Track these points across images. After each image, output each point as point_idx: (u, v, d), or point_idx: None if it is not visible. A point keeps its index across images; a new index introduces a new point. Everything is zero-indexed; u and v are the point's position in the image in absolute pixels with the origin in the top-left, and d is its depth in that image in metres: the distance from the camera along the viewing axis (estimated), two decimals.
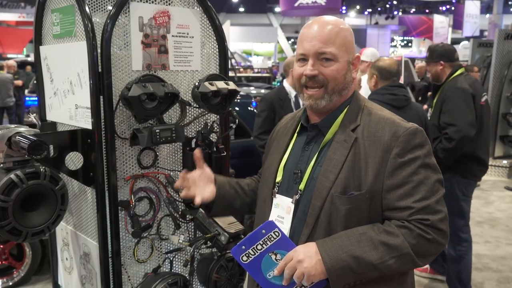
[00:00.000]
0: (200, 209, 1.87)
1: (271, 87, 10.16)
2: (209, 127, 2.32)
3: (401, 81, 4.42)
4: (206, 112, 2.37)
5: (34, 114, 2.52)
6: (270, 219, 1.53)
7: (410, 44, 33.60)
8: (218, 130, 2.40)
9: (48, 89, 2.38)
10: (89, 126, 2.05)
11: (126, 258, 2.20)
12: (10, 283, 3.70)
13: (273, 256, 1.38)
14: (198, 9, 2.31)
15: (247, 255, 1.38)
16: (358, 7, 32.87)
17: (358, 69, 1.54)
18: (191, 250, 2.21)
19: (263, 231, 1.37)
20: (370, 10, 31.29)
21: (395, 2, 29.55)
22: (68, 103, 2.21)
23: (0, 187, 1.94)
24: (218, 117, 2.42)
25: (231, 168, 3.44)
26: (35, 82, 5.11)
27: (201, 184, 1.64)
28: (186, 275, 2.27)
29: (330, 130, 1.47)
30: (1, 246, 3.65)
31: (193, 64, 2.32)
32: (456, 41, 25.69)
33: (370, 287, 1.39)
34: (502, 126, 7.71)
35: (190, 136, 2.32)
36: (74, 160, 2.24)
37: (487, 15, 28.59)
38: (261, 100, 4.06)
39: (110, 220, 2.09)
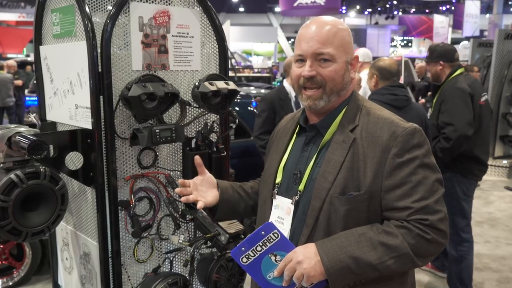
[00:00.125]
0: (200, 209, 1.87)
1: (271, 87, 10.15)
2: (209, 127, 2.32)
3: (401, 81, 4.43)
4: (206, 112, 2.37)
5: (34, 114, 2.52)
6: (270, 220, 1.52)
7: (410, 44, 33.59)
8: (218, 130, 2.40)
9: (48, 89, 2.38)
10: (89, 126, 2.05)
11: (126, 258, 2.20)
12: (10, 283, 3.70)
13: (273, 257, 1.38)
14: (198, 9, 2.31)
15: (247, 256, 1.38)
16: (358, 7, 32.86)
17: (357, 69, 1.54)
18: (191, 250, 2.21)
19: (263, 232, 1.37)
20: (370, 10, 31.27)
21: (395, 2, 29.54)
22: (68, 103, 2.21)
23: (0, 187, 1.94)
24: (218, 117, 2.42)
25: (231, 168, 3.45)
26: (35, 82, 5.11)
27: (203, 189, 1.63)
28: (186, 275, 2.27)
29: (328, 131, 1.47)
30: (1, 246, 3.65)
31: (193, 64, 2.32)
32: (456, 41, 25.68)
33: None
34: (502, 126, 7.71)
35: (190, 136, 2.32)
36: (74, 160, 2.24)
37: (487, 15, 28.58)
38: (261, 100, 4.06)
39: (110, 220, 2.09)
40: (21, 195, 1.98)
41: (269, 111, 3.87)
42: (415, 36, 32.78)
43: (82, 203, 2.30)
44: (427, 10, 31.84)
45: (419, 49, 30.33)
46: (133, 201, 2.16)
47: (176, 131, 2.15)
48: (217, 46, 2.40)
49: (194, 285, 2.32)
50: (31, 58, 14.40)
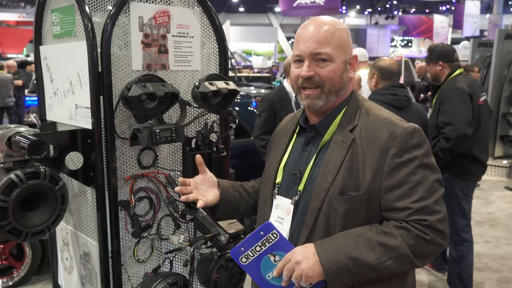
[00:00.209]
0: (200, 209, 1.87)
1: (271, 87, 10.15)
2: (209, 127, 2.32)
3: (401, 81, 4.43)
4: (206, 112, 2.37)
5: (34, 114, 2.52)
6: (270, 220, 1.53)
7: (410, 44, 33.58)
8: (218, 130, 2.40)
9: (48, 89, 2.38)
10: (89, 126, 2.05)
11: (126, 258, 2.20)
12: (10, 283, 3.70)
13: (272, 258, 1.38)
14: (198, 9, 2.31)
15: (246, 256, 1.39)
16: (358, 7, 32.85)
17: (356, 68, 1.53)
18: (191, 250, 2.21)
19: (261, 232, 1.37)
20: (370, 10, 31.27)
21: (395, 2, 29.53)
22: (68, 103, 2.21)
23: (0, 187, 1.94)
24: (218, 117, 2.42)
25: (231, 168, 3.45)
26: (35, 82, 5.10)
27: (204, 188, 1.63)
28: (186, 275, 2.27)
29: (328, 131, 1.47)
30: (1, 246, 3.65)
31: (193, 64, 2.31)
32: (456, 41, 25.70)
33: None
34: (502, 126, 7.71)
35: (190, 136, 2.32)
36: (74, 160, 2.24)
37: (487, 15, 28.58)
38: (262, 100, 4.06)
39: (110, 220, 2.09)
40: (21, 195, 1.98)
41: (270, 111, 3.87)
42: (415, 36, 32.78)
43: (82, 203, 2.30)
44: (427, 10, 31.83)
45: (419, 49, 30.33)
46: (133, 201, 2.16)
47: (176, 131, 2.15)
48: (217, 46, 2.40)
49: (194, 285, 2.32)
50: (31, 58, 14.41)
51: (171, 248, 2.34)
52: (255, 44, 29.00)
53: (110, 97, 2.02)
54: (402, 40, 34.59)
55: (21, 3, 26.99)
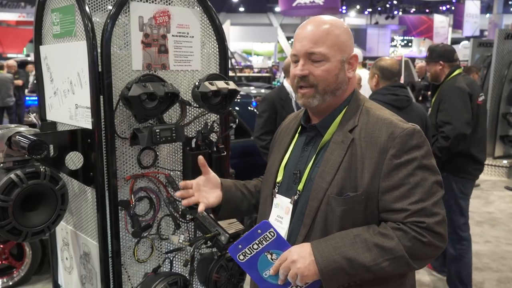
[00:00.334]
0: None
1: (271, 87, 10.16)
2: (209, 127, 2.32)
3: (401, 81, 4.43)
4: (206, 112, 2.37)
5: (34, 114, 2.52)
6: (270, 218, 1.53)
7: (410, 44, 33.58)
8: (218, 130, 2.40)
9: (48, 88, 2.38)
10: (89, 126, 2.05)
11: (126, 258, 2.20)
12: (10, 283, 3.70)
13: (269, 256, 1.39)
14: (198, 8, 2.31)
15: (243, 254, 1.40)
16: (358, 6, 32.86)
17: (356, 68, 1.52)
18: (191, 250, 2.21)
19: (259, 231, 1.38)
20: (370, 9, 31.26)
21: (395, 2, 29.52)
22: (68, 102, 2.21)
23: (0, 187, 1.94)
24: (218, 117, 2.42)
25: (231, 168, 3.44)
26: (35, 82, 5.10)
27: (206, 190, 1.63)
28: (186, 275, 2.27)
29: (328, 131, 1.47)
30: (1, 246, 3.65)
31: (193, 63, 2.31)
32: (456, 41, 25.70)
33: None
34: (502, 126, 7.71)
35: (190, 136, 2.32)
36: (74, 160, 2.24)
37: (487, 15, 28.58)
38: (262, 100, 4.06)
39: (110, 220, 2.09)
40: (21, 195, 1.98)
41: (270, 112, 3.86)
42: (415, 36, 32.78)
43: (82, 203, 2.30)
44: (427, 10, 31.83)
45: (419, 49, 30.33)
46: (133, 201, 2.16)
47: (176, 131, 2.15)
48: (217, 46, 2.40)
49: (194, 285, 2.32)
50: (31, 58, 14.41)
51: (171, 248, 2.34)
52: (255, 44, 29.01)
53: (110, 97, 2.02)
54: (402, 40, 34.60)
55: (21, 3, 26.99)
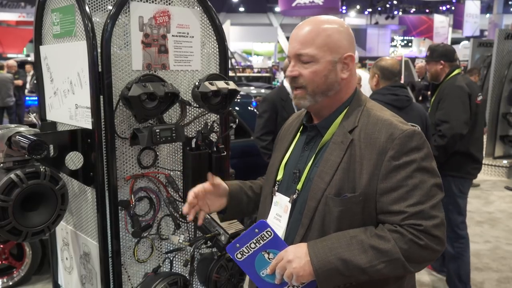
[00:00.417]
0: None
1: (271, 87, 10.16)
2: (209, 127, 2.32)
3: (401, 81, 4.43)
4: (206, 112, 2.37)
5: (34, 114, 2.52)
6: (269, 216, 1.54)
7: (410, 44, 33.60)
8: (218, 130, 2.40)
9: (48, 88, 2.38)
10: (89, 126, 2.05)
11: (126, 258, 2.20)
12: (10, 283, 3.70)
13: (266, 255, 1.40)
14: (198, 8, 2.31)
15: (241, 253, 1.40)
16: (358, 7, 32.87)
17: (353, 68, 1.51)
18: (191, 250, 2.21)
19: (256, 230, 1.38)
20: (370, 10, 31.28)
21: (395, 2, 29.54)
22: (68, 102, 2.21)
23: (0, 187, 1.94)
24: (218, 117, 2.42)
25: (231, 168, 3.45)
26: (34, 81, 5.11)
27: (212, 198, 1.63)
28: (186, 275, 2.27)
29: (328, 131, 1.46)
30: (1, 246, 3.65)
31: (193, 63, 2.31)
32: (456, 41, 25.72)
33: None
34: (502, 126, 7.70)
35: (190, 136, 2.32)
36: (74, 160, 2.24)
37: (487, 15, 28.58)
38: (263, 100, 4.06)
39: (110, 220, 2.09)
40: (21, 195, 1.98)
41: (271, 112, 3.86)
42: (415, 36, 32.79)
43: (82, 203, 2.30)
44: (427, 10, 31.85)
45: (419, 49, 30.33)
46: (133, 201, 2.16)
47: (176, 131, 2.15)
48: (217, 46, 2.40)
49: (194, 285, 2.32)
50: (31, 58, 14.41)
51: (171, 248, 2.34)
52: (255, 44, 29.03)
53: (110, 97, 2.02)
54: (402, 40, 34.61)
55: (21, 3, 27.00)
